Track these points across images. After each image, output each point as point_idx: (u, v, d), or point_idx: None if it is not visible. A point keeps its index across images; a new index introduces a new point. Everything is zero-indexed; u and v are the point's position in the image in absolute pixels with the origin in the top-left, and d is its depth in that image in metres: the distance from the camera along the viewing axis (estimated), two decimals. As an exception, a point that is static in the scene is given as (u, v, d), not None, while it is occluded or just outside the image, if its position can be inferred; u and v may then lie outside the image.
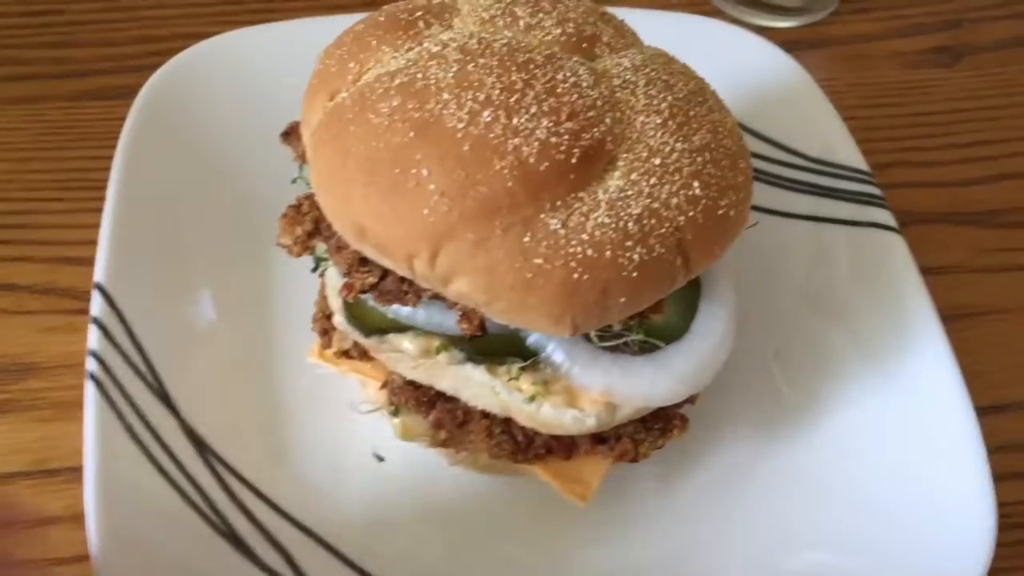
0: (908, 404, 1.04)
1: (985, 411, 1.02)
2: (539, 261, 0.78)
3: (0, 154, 1.31)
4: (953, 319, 1.11)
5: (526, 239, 0.78)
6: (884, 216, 1.16)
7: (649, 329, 0.93)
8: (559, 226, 0.79)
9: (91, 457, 0.92)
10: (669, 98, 0.86)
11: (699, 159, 0.84)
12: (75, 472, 1.01)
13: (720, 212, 0.84)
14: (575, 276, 0.78)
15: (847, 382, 1.08)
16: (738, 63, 1.27)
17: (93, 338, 0.99)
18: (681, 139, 0.84)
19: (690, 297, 0.96)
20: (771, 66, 1.30)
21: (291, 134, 0.98)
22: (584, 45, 0.89)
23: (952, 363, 1.04)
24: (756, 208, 1.17)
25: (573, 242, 0.78)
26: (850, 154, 1.22)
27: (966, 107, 1.47)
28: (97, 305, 1.02)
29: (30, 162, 1.31)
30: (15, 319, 1.15)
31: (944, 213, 1.33)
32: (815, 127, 1.26)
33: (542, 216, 0.79)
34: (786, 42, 1.37)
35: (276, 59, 1.22)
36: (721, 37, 1.33)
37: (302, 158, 0.97)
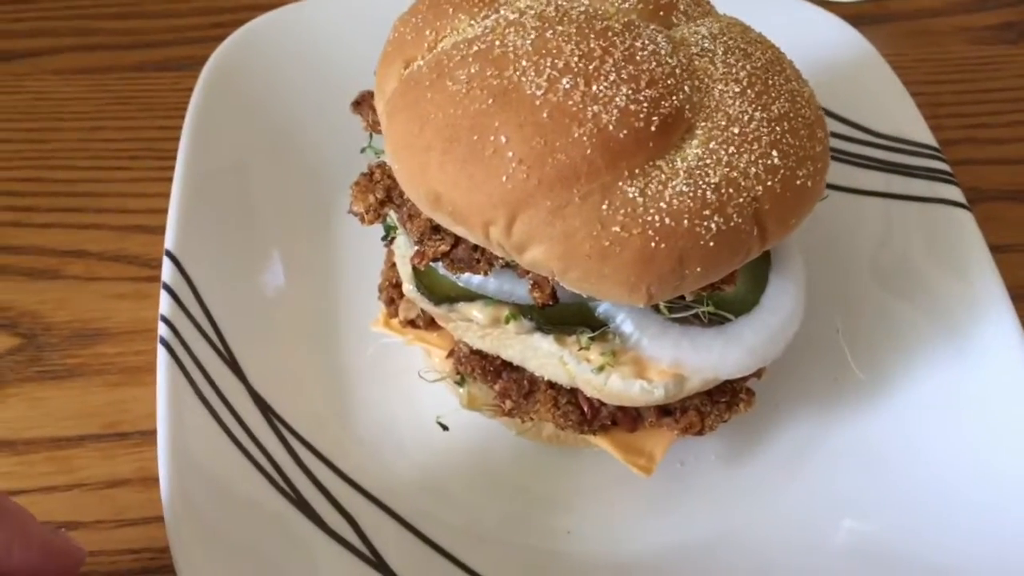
0: (976, 382, 1.03)
1: (1054, 390, 1.00)
2: (616, 229, 0.78)
3: (68, 124, 1.33)
4: (1021, 297, 1.09)
5: (604, 207, 0.78)
6: (953, 192, 1.15)
7: (719, 301, 0.92)
8: (637, 194, 0.78)
9: (163, 421, 0.93)
10: (747, 67, 0.85)
11: (778, 128, 0.83)
12: (145, 436, 1.04)
13: (798, 182, 0.83)
14: (652, 245, 0.78)
15: (915, 359, 1.07)
16: (804, 37, 1.23)
17: (164, 304, 1.01)
18: (760, 108, 0.83)
19: (760, 270, 0.96)
20: (838, 41, 1.29)
21: (362, 103, 0.98)
22: (661, 13, 0.88)
23: (1021, 341, 1.02)
24: (827, 185, 1.17)
25: (651, 210, 0.78)
26: (919, 130, 1.21)
27: (1034, 84, 1.45)
28: (168, 272, 1.03)
29: (98, 132, 1.33)
30: (86, 285, 1.17)
31: (1011, 191, 1.31)
32: (883, 103, 1.24)
33: (620, 184, 0.78)
34: (850, 16, 1.36)
35: (343, 28, 1.22)
36: (787, 10, 1.31)
37: (372, 127, 0.97)
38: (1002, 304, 1.05)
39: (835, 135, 1.22)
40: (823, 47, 1.26)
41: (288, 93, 1.22)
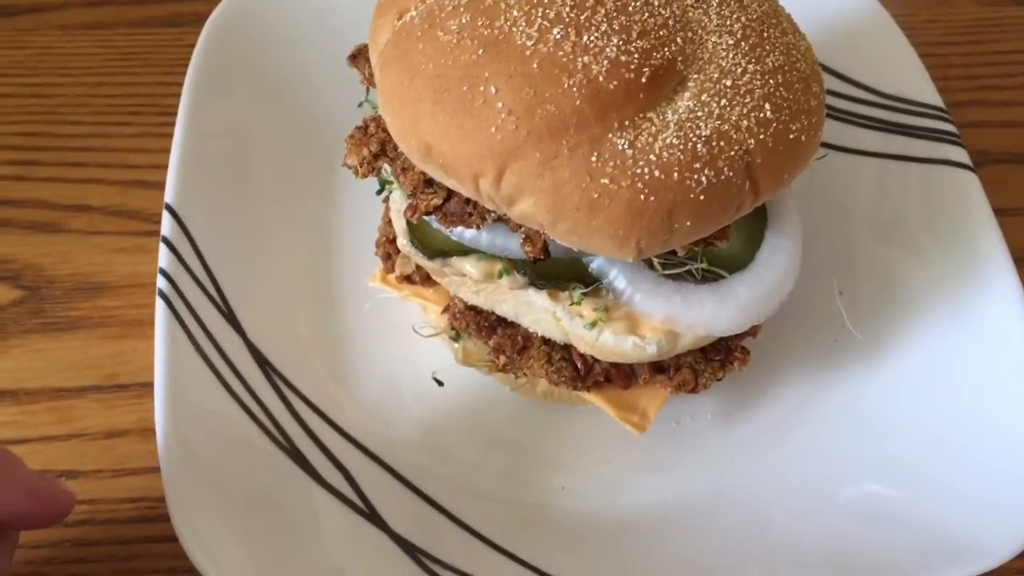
0: (976, 344, 1.02)
1: (1055, 353, 0.99)
2: (605, 181, 0.77)
3: (72, 79, 1.34)
4: (1024, 261, 1.09)
5: (593, 159, 0.77)
6: (959, 154, 1.13)
7: (713, 257, 0.92)
8: (627, 146, 0.78)
9: (161, 373, 0.94)
10: (742, 18, 0.84)
11: (771, 81, 0.82)
12: (144, 387, 1.05)
13: (791, 136, 0.83)
14: (641, 198, 0.78)
15: (914, 321, 1.06)
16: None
17: (163, 258, 1.01)
18: (754, 60, 0.82)
19: (755, 227, 0.95)
20: (845, -1, 1.27)
21: (358, 56, 0.98)
22: (656, -36, 0.88)
23: (1023, 306, 1.01)
24: (826, 144, 1.16)
25: (640, 163, 0.78)
26: (925, 91, 1.19)
27: (1045, 47, 1.43)
28: (167, 226, 1.03)
29: (101, 87, 1.33)
30: (88, 239, 1.18)
31: (1020, 154, 1.30)
32: (890, 63, 1.23)
33: (610, 136, 0.78)
34: (861, -25, 1.33)
35: (344, -17, 1.21)
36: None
37: (369, 81, 0.97)
38: (1004, 267, 1.04)
39: (839, 95, 1.21)
40: (830, 4, 1.25)
41: (289, 48, 1.22)
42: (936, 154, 1.14)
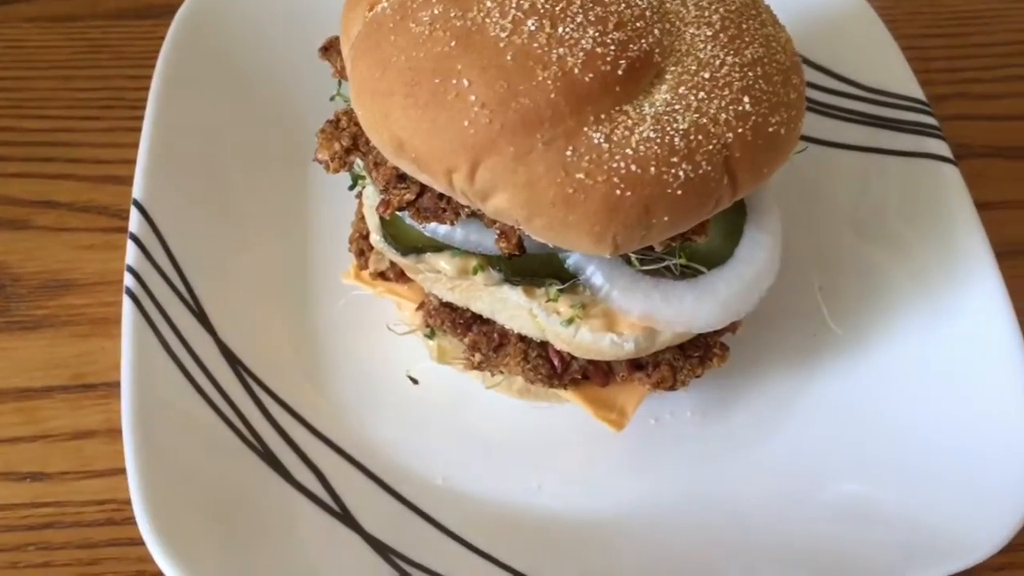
0: (958, 339, 1.02)
1: (1037, 350, 0.99)
2: (581, 176, 0.76)
3: (41, 72, 1.32)
4: (1007, 255, 1.08)
5: (568, 153, 0.76)
6: (940, 147, 1.13)
7: (691, 253, 0.91)
8: (603, 140, 0.76)
9: (127, 373, 0.92)
10: (721, 10, 0.83)
11: (750, 74, 0.81)
12: (112, 387, 1.03)
13: (770, 130, 0.81)
14: (617, 192, 0.76)
15: (895, 316, 1.05)
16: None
17: (131, 254, 0.99)
18: (732, 52, 0.81)
19: (735, 222, 0.94)
20: (825, -10, 1.26)
21: (330, 49, 0.96)
22: (633, -46, 0.86)
23: (1004, 299, 1.01)
24: (806, 138, 1.15)
25: (617, 157, 0.76)
26: (906, 83, 1.18)
27: (1028, 39, 1.42)
28: (135, 222, 1.01)
29: (71, 80, 1.31)
30: (55, 236, 1.16)
31: (1002, 147, 1.29)
32: (871, 55, 1.22)
33: (585, 129, 0.76)
34: (842, -33, 1.32)
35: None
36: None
37: (341, 74, 0.95)
38: (985, 261, 1.04)
39: (820, 87, 1.20)
40: (810, -3, 1.24)
41: (261, 40, 1.20)
42: (917, 147, 1.13)
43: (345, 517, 0.93)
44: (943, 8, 1.45)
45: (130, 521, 0.85)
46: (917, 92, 1.17)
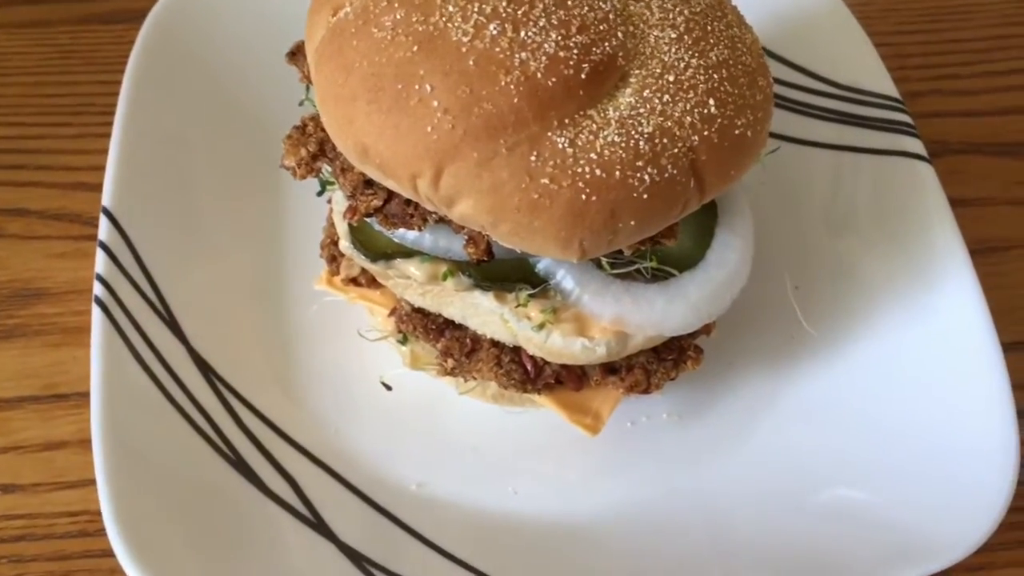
0: (932, 339, 1.01)
1: (1010, 347, 0.99)
2: (545, 181, 0.75)
3: (11, 78, 1.30)
4: (982, 252, 1.08)
5: (532, 158, 0.75)
6: (914, 145, 1.12)
7: (662, 256, 0.90)
8: (567, 145, 0.76)
9: (97, 382, 0.91)
10: (686, 12, 0.82)
11: (715, 76, 0.80)
12: (84, 397, 1.01)
13: (737, 132, 0.81)
14: (583, 197, 0.76)
15: (870, 315, 1.05)
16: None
17: (100, 263, 0.99)
18: (697, 54, 0.80)
19: (705, 224, 0.93)
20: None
21: (297, 53, 0.95)
22: (597, -42, 0.85)
23: (979, 298, 1.01)
24: (779, 136, 1.15)
25: (581, 161, 0.75)
26: (879, 80, 1.18)
27: (1005, 34, 1.41)
28: (104, 230, 1.01)
29: (40, 87, 1.30)
30: (26, 244, 1.15)
31: (978, 144, 1.29)
32: (843, 52, 1.21)
33: (549, 134, 0.76)
34: (817, -36, 1.31)
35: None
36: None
37: (308, 79, 0.94)
38: (960, 259, 1.04)
39: (792, 85, 1.19)
40: (783, -7, 1.23)
41: (231, 47, 1.19)
42: (892, 145, 1.13)
43: (319, 526, 0.92)
44: (918, 4, 1.45)
45: (103, 532, 0.85)
46: (891, 89, 1.17)
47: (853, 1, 1.25)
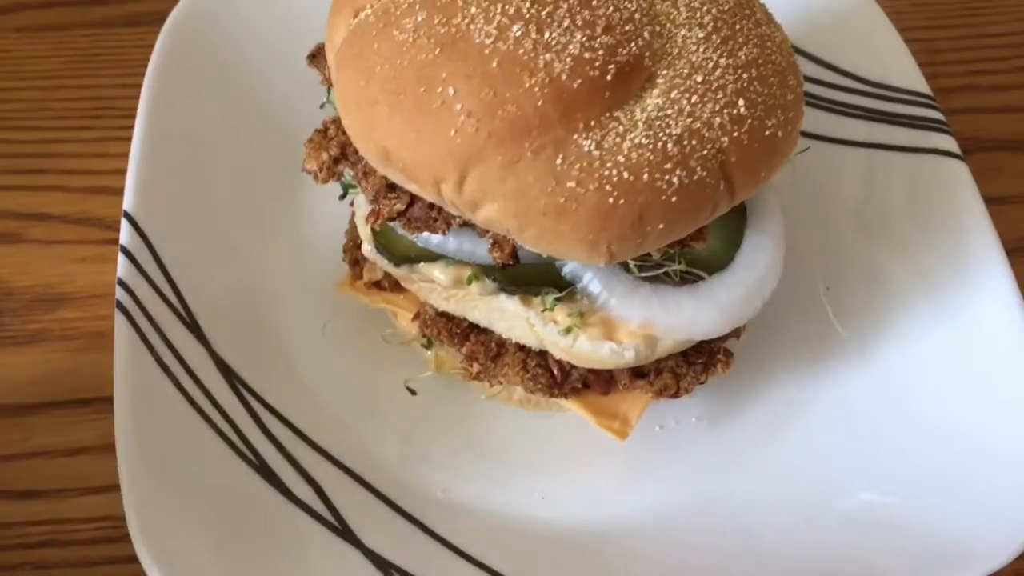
0: (968, 339, 0.99)
1: (1049, 349, 0.96)
2: (572, 184, 0.74)
3: (31, 82, 1.30)
4: (1019, 251, 1.06)
5: (558, 161, 0.74)
6: (946, 142, 1.10)
7: (691, 259, 0.89)
8: (593, 147, 0.74)
9: (120, 388, 0.91)
10: (713, 10, 0.81)
11: (744, 76, 0.79)
12: (107, 402, 1.00)
13: (767, 133, 0.79)
14: (610, 201, 0.74)
15: (903, 316, 1.03)
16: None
17: (122, 267, 0.98)
18: (726, 54, 0.79)
19: (735, 226, 0.92)
20: (828, -17, 1.23)
21: (318, 56, 0.94)
22: (622, -44, 0.84)
23: (1015, 298, 0.99)
24: (809, 134, 1.13)
25: (608, 164, 0.74)
26: (910, 77, 1.16)
27: (1038, 28, 1.39)
28: (126, 234, 1.00)
29: (60, 90, 1.29)
30: (48, 249, 1.15)
31: (1012, 140, 1.27)
32: (874, 48, 1.19)
33: (575, 137, 0.74)
34: (845, -42, 1.29)
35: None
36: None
37: (329, 81, 0.93)
38: (995, 259, 1.02)
39: (822, 82, 1.18)
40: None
41: (252, 49, 1.18)
42: (923, 143, 1.11)
43: (345, 532, 0.91)
44: (950, -2, 1.43)
45: (127, 538, 0.84)
46: (922, 86, 1.15)
47: (883, -4, 1.23)
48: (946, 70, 1.31)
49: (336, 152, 0.89)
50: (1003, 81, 1.33)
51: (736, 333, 0.96)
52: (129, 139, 1.07)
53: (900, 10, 1.27)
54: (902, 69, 1.16)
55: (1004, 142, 1.26)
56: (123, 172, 1.05)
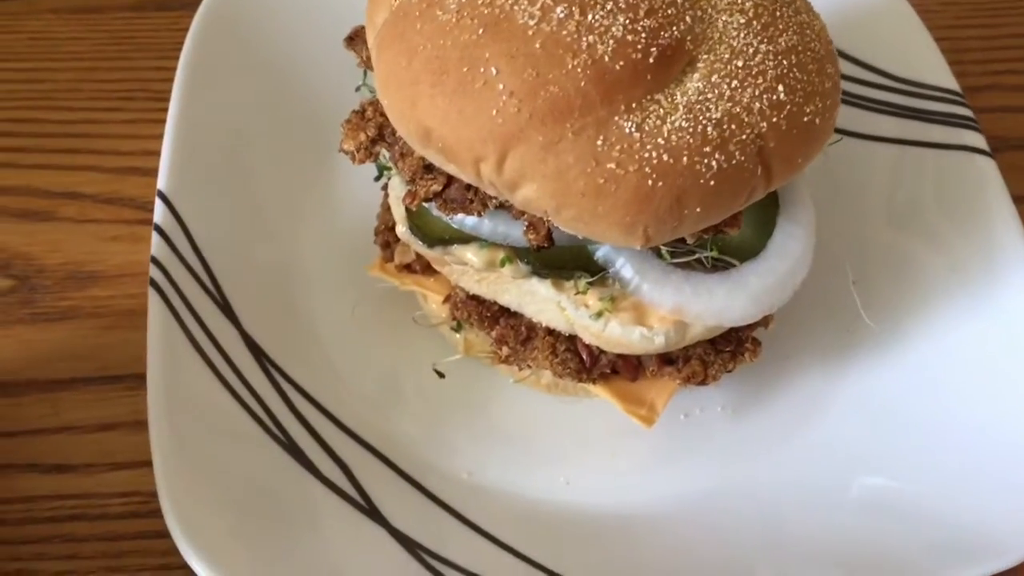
0: (994, 334, 1.00)
1: (1075, 344, 0.97)
2: (612, 166, 0.75)
3: (65, 64, 1.31)
4: (1045, 249, 1.05)
5: (599, 143, 0.75)
6: (976, 139, 1.11)
7: (723, 246, 0.89)
8: (634, 129, 0.75)
9: (153, 364, 0.92)
10: (754, -3, 0.81)
11: (784, 62, 0.79)
12: (137, 379, 1.02)
13: (805, 119, 0.80)
14: (649, 183, 0.75)
15: (931, 310, 1.04)
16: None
17: (156, 246, 0.99)
18: (766, 40, 0.79)
19: (767, 214, 0.92)
20: (858, -21, 1.24)
21: (355, 39, 0.95)
22: (665, -59, 0.84)
23: (1044, 293, 0.99)
24: (839, 130, 1.12)
25: (648, 146, 0.75)
26: (940, 74, 1.17)
27: (1065, 28, 1.39)
28: (160, 213, 1.01)
29: (94, 72, 1.30)
30: (80, 227, 1.16)
31: (1039, 139, 1.27)
32: (903, 46, 1.20)
33: (616, 119, 0.75)
34: (874, -43, 1.30)
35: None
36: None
37: (366, 64, 0.94)
38: (1023, 254, 1.02)
39: (852, 79, 1.18)
40: (842, -14, 1.22)
41: (285, 31, 1.19)
42: (952, 139, 1.12)
43: (372, 512, 0.92)
44: (978, -2, 1.43)
45: (155, 514, 0.85)
46: (951, 83, 1.16)
47: (912, -5, 1.24)
48: (973, 69, 1.31)
49: (374, 133, 0.89)
50: (1028, 81, 1.33)
51: (764, 322, 0.97)
52: (161, 121, 1.08)
53: (929, 8, 1.28)
54: (933, 67, 1.17)
55: (1030, 141, 1.27)
56: (154, 153, 1.06)
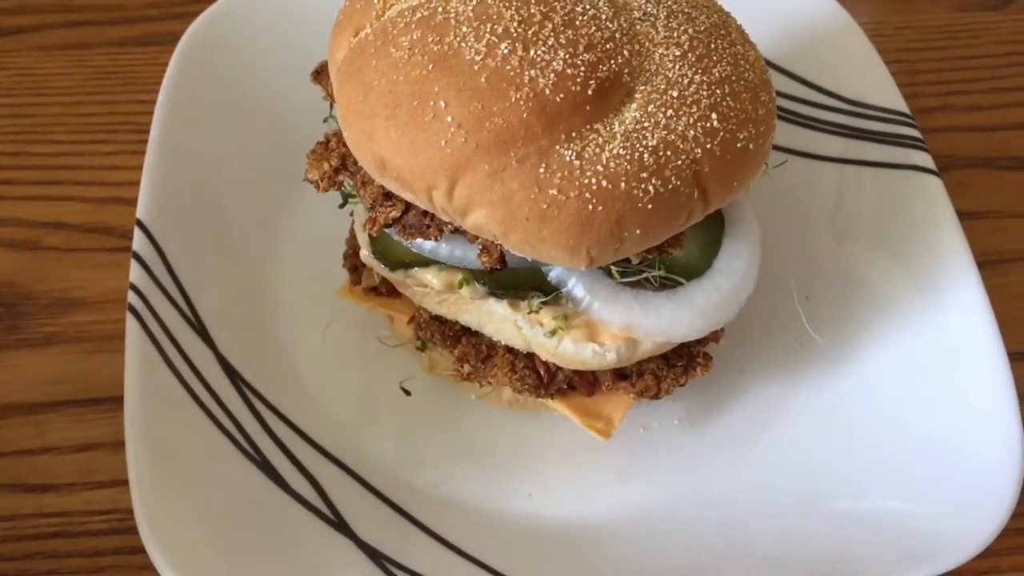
0: (940, 348, 1.03)
1: (1017, 356, 1.00)
2: (554, 192, 0.79)
3: (50, 98, 1.36)
4: (990, 264, 1.11)
5: (541, 170, 0.79)
6: (923, 158, 1.14)
7: (670, 265, 0.93)
8: (574, 157, 0.79)
9: (130, 387, 0.95)
10: (690, 30, 0.86)
11: (718, 91, 0.83)
12: (117, 401, 1.04)
13: (739, 145, 0.84)
14: (589, 207, 0.79)
15: (877, 325, 1.07)
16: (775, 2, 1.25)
17: (134, 272, 1.02)
18: (700, 71, 0.84)
19: (713, 234, 0.96)
20: (808, 4, 1.27)
21: (321, 73, 1.00)
22: (605, -22, 0.89)
23: (986, 308, 1.02)
24: (787, 149, 1.17)
25: (588, 173, 0.79)
26: (888, 95, 1.20)
27: (1014, 51, 1.43)
28: (138, 241, 1.04)
29: (78, 106, 1.35)
30: (64, 256, 1.20)
31: (987, 158, 1.31)
32: (853, 67, 1.24)
33: (557, 147, 0.79)
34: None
35: (314, 3, 1.22)
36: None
37: (331, 97, 0.98)
38: (967, 270, 1.05)
39: (801, 100, 1.22)
40: (791, 8, 1.26)
41: (262, 67, 1.23)
42: (900, 159, 1.15)
43: (340, 526, 0.95)
44: (931, 22, 1.47)
45: (134, 530, 0.88)
46: (900, 104, 1.19)
47: (866, 20, 1.28)
48: (926, 90, 1.35)
49: (337, 163, 0.94)
50: (979, 101, 1.37)
51: (715, 337, 1.00)
52: (142, 153, 1.11)
53: (884, 33, 1.33)
54: (881, 88, 1.21)
55: (979, 159, 1.31)
56: (136, 184, 1.09)
